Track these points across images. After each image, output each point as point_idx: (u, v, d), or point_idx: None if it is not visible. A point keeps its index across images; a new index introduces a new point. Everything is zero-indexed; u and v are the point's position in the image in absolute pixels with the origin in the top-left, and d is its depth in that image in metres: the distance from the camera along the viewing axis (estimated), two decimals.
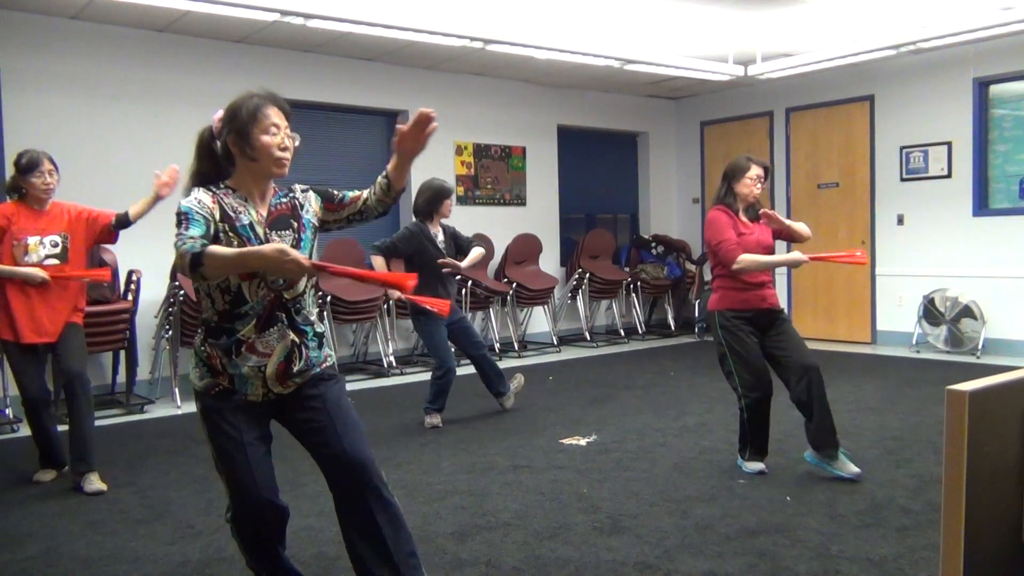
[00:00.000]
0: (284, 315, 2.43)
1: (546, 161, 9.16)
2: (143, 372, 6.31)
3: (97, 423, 5.50)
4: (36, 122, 6.01)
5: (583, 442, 4.71)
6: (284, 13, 5.63)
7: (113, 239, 4.29)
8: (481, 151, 8.60)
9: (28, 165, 3.97)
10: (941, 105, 7.85)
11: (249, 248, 2.23)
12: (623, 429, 5.00)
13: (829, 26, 6.94)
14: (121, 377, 6.12)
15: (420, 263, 5.11)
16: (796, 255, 3.97)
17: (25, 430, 5.34)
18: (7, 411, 5.57)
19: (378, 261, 5.13)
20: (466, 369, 7.48)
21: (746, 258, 3.89)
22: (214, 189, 2.35)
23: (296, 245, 2.40)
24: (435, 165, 8.25)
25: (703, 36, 7.20)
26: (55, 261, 4.06)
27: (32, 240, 4.00)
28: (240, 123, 2.29)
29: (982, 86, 7.62)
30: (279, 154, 2.34)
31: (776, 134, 9.25)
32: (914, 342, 7.86)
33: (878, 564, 2.90)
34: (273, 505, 2.43)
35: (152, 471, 4.32)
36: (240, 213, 2.34)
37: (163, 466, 4.42)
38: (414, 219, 5.39)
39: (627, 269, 9.52)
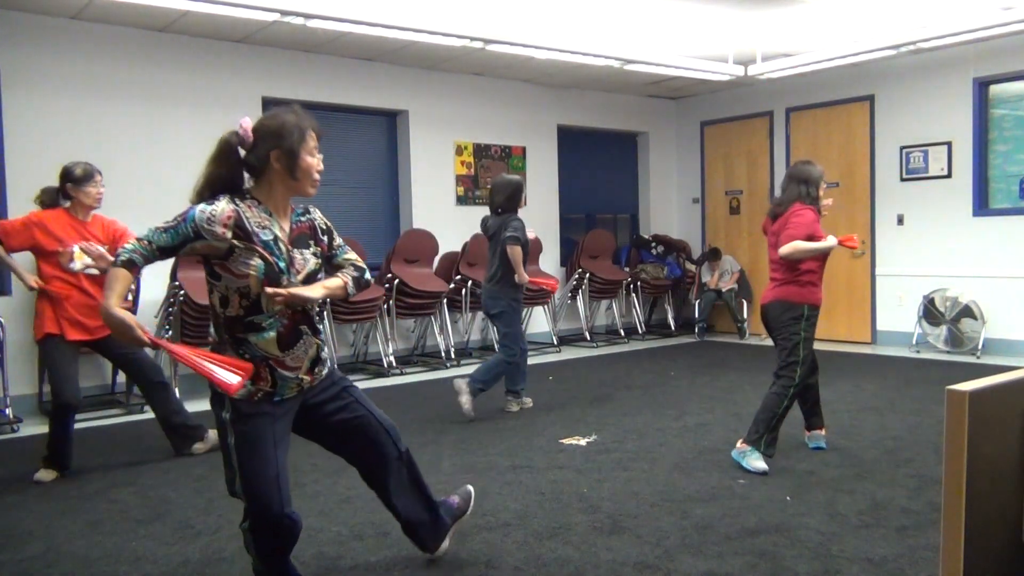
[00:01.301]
0: (307, 326, 2.55)
1: (546, 161, 9.16)
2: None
3: (97, 423, 5.53)
4: (36, 122, 6.01)
5: (583, 442, 4.71)
6: (284, 13, 5.63)
7: None
8: (481, 151, 8.60)
9: (85, 176, 4.24)
10: (941, 105, 7.85)
11: (116, 309, 2.26)
12: (623, 429, 5.00)
13: (829, 26, 6.94)
14: (121, 377, 6.12)
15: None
16: (832, 240, 4.17)
17: (25, 430, 5.36)
18: (7, 411, 5.57)
19: (518, 252, 5.35)
20: (466, 370, 7.48)
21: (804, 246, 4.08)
22: (238, 201, 2.39)
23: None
24: (435, 165, 8.27)
25: (703, 36, 7.20)
26: (95, 271, 4.24)
27: (77, 248, 4.20)
28: (291, 142, 2.39)
29: (982, 86, 7.62)
30: (316, 176, 2.48)
31: (776, 134, 9.25)
32: (914, 342, 7.86)
33: (878, 564, 2.90)
34: (291, 519, 2.48)
35: (152, 471, 4.32)
36: (264, 227, 2.40)
37: (163, 466, 4.42)
38: (496, 214, 5.55)
39: (627, 269, 9.52)
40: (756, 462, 4.03)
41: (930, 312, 7.65)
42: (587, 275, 8.81)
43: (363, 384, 6.80)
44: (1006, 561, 1.13)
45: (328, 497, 3.80)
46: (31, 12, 5.94)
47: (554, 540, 3.19)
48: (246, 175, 2.46)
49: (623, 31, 6.97)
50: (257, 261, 2.35)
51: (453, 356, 7.68)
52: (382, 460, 2.75)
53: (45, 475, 4.22)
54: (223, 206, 2.35)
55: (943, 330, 7.58)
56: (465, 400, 5.25)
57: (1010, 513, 1.13)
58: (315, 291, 2.51)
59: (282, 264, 2.42)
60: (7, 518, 3.63)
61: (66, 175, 4.25)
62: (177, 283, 6.09)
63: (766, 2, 6.28)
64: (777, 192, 5.00)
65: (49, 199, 4.33)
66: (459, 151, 8.46)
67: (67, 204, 4.32)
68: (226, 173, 2.40)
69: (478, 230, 8.11)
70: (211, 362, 2.32)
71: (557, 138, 9.26)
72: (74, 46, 6.17)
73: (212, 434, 4.70)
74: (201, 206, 2.35)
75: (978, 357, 7.32)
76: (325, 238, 2.63)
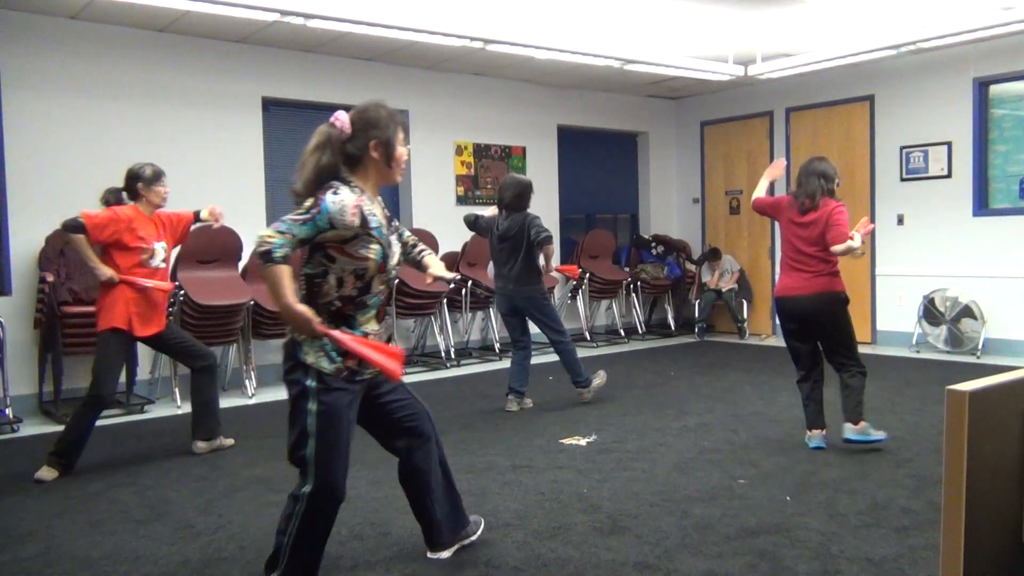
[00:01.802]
0: (387, 306, 2.74)
1: (546, 161, 9.16)
2: (143, 372, 6.31)
3: (97, 423, 5.52)
4: (36, 122, 6.01)
5: (583, 442, 4.71)
6: (284, 13, 5.63)
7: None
8: (481, 151, 8.60)
9: (154, 176, 4.47)
10: (941, 105, 7.85)
11: (298, 307, 2.43)
12: (623, 429, 5.00)
13: (829, 26, 6.94)
14: (121, 377, 6.11)
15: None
16: (859, 237, 4.29)
17: (25, 430, 5.35)
18: (7, 411, 5.57)
19: (551, 249, 5.54)
20: (465, 370, 7.48)
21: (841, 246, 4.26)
22: (354, 189, 2.54)
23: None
24: (436, 165, 8.27)
25: (703, 36, 7.20)
26: (163, 265, 4.54)
27: (157, 245, 4.47)
28: (388, 133, 2.57)
29: (982, 86, 7.62)
30: (403, 165, 2.67)
31: (776, 134, 9.25)
32: (914, 342, 7.86)
33: (878, 564, 2.90)
34: (344, 496, 2.63)
35: (152, 471, 4.32)
36: (373, 214, 2.55)
37: (163, 466, 4.42)
38: (504, 213, 5.63)
39: (627, 269, 9.52)
40: (876, 432, 4.34)
41: (930, 312, 7.65)
42: (587, 275, 8.81)
43: None
44: (1006, 561, 1.13)
45: None
46: (31, 12, 5.94)
47: (554, 540, 3.19)
48: None
49: (623, 31, 6.97)
50: (375, 245, 2.53)
51: (453, 356, 7.68)
52: (426, 447, 2.89)
53: (47, 473, 4.22)
54: (350, 196, 2.48)
55: (943, 330, 7.58)
56: (587, 395, 5.75)
57: (1010, 513, 1.13)
58: (449, 272, 2.90)
59: (387, 247, 2.59)
60: (7, 518, 3.63)
61: (136, 176, 4.44)
62: (177, 283, 6.09)
63: (766, 2, 6.28)
64: (777, 192, 5.04)
65: (115, 199, 4.47)
66: (459, 151, 8.46)
67: (131, 203, 4.48)
68: (332, 163, 2.54)
69: None
70: (372, 350, 2.52)
71: (557, 138, 9.26)
72: (74, 46, 6.17)
73: (228, 442, 4.74)
74: (331, 198, 2.45)
75: (978, 357, 7.32)
76: (395, 224, 2.78)
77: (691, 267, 9.79)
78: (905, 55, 7.63)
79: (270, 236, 2.39)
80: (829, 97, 8.71)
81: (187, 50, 6.69)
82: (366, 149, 2.56)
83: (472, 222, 5.81)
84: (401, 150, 2.63)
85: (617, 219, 10.30)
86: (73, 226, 4.27)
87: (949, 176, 7.82)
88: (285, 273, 2.40)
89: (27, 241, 5.90)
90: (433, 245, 7.74)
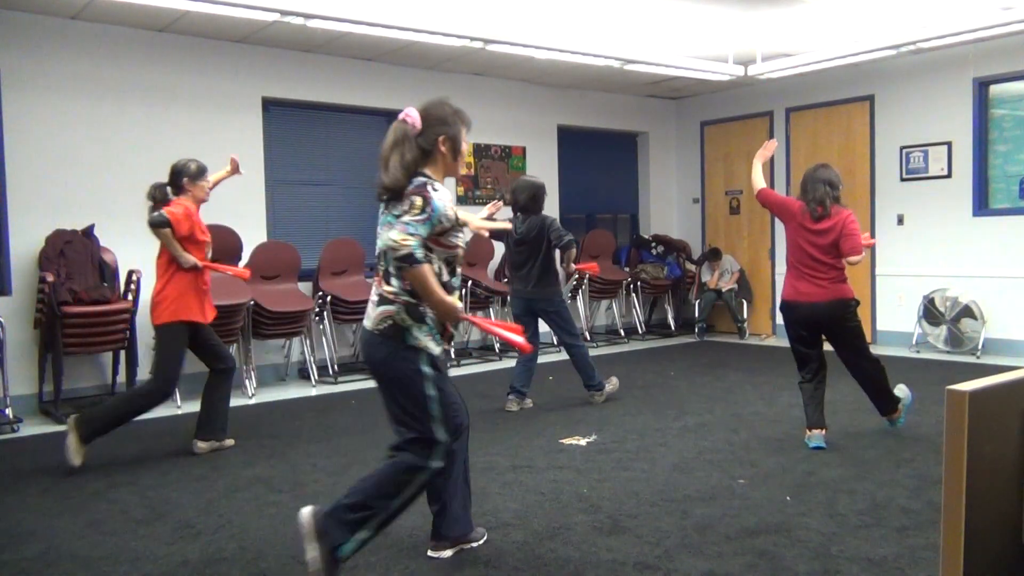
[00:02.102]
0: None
1: (546, 161, 9.15)
2: (143, 372, 6.29)
3: None
4: (36, 122, 6.01)
5: (583, 442, 4.71)
6: (284, 13, 5.63)
7: None
8: (481, 151, 8.60)
9: (200, 171, 4.58)
10: (941, 105, 7.85)
11: (447, 297, 2.70)
12: (623, 429, 5.00)
13: (829, 26, 6.94)
14: (121, 377, 6.13)
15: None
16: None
17: (25, 430, 5.35)
18: (7, 411, 5.57)
19: (574, 251, 5.65)
20: (465, 370, 7.48)
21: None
22: (439, 184, 2.74)
23: None
24: None
25: (703, 36, 7.20)
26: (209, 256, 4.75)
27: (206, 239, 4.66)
28: (456, 129, 2.78)
29: (982, 86, 7.62)
30: (464, 160, 2.89)
31: (776, 134, 9.24)
32: (914, 342, 7.86)
33: (878, 564, 2.90)
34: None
35: (152, 471, 4.32)
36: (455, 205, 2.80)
37: (163, 466, 4.41)
38: (520, 216, 5.62)
39: (627, 269, 9.52)
40: (905, 398, 4.70)
41: (930, 312, 7.65)
42: (587, 275, 8.81)
43: (363, 384, 6.80)
44: (1006, 561, 1.13)
45: (328, 497, 3.78)
46: (31, 12, 5.94)
47: (554, 540, 3.19)
48: None
49: (623, 31, 6.97)
50: (462, 234, 2.79)
51: (453, 356, 7.68)
52: (460, 438, 2.99)
53: (80, 457, 4.29)
54: (445, 191, 2.72)
55: (943, 330, 7.58)
56: (598, 398, 5.76)
57: (1010, 513, 1.13)
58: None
59: (465, 235, 2.85)
60: (7, 518, 3.63)
61: (182, 171, 4.54)
62: None
63: (766, 2, 6.28)
64: (781, 193, 5.06)
65: (161, 195, 4.56)
66: None
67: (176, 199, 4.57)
68: (415, 157, 2.72)
69: None
70: (502, 328, 2.88)
71: (557, 138, 9.26)
72: (74, 46, 6.17)
73: (229, 442, 4.75)
74: (436, 195, 2.65)
75: (978, 357, 7.32)
76: None
77: (691, 267, 9.79)
78: (905, 55, 7.63)
79: (404, 240, 2.57)
80: (829, 97, 8.71)
81: (187, 50, 6.69)
82: (435, 144, 2.75)
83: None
84: (465, 146, 2.84)
85: (617, 219, 10.29)
86: (160, 222, 4.40)
87: (949, 176, 7.82)
88: (429, 271, 2.64)
89: (27, 241, 5.90)
90: None
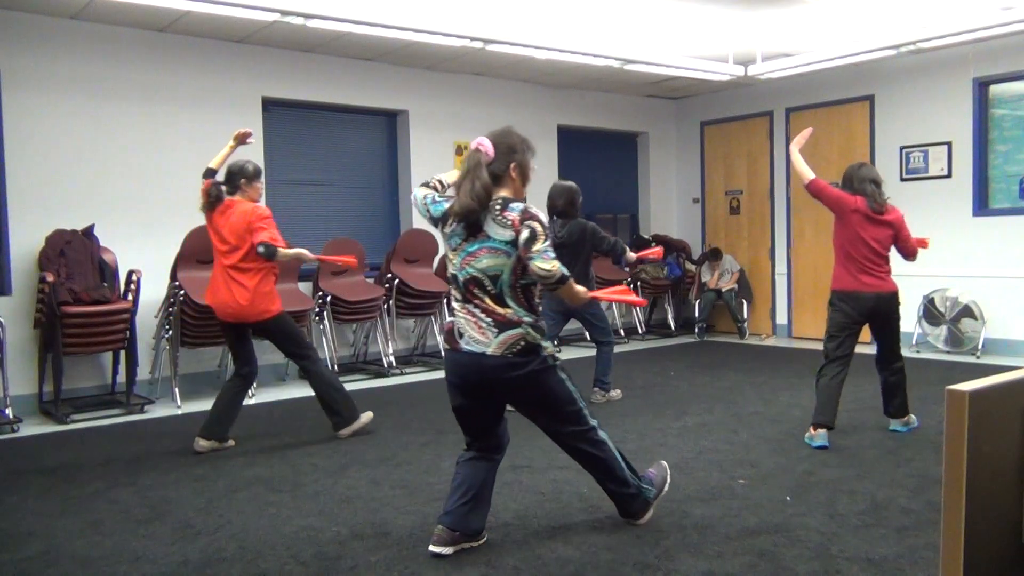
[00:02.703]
0: None
1: (546, 161, 9.14)
2: (143, 372, 6.31)
3: (97, 423, 5.53)
4: (36, 122, 6.01)
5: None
6: (284, 13, 5.63)
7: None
8: None
9: (257, 172, 4.72)
10: (941, 105, 7.85)
11: (581, 289, 3.07)
12: (623, 429, 5.00)
13: (829, 26, 6.94)
14: (121, 377, 6.13)
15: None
16: None
17: (25, 430, 5.36)
18: (7, 411, 5.57)
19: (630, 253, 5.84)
20: None
21: None
22: None
23: None
24: (435, 165, 8.26)
25: (703, 36, 7.20)
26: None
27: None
28: (525, 157, 3.08)
29: (982, 86, 7.62)
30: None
31: (776, 134, 9.24)
32: (914, 342, 7.85)
33: (878, 564, 2.90)
34: None
35: (152, 471, 4.32)
36: None
37: (163, 466, 4.41)
38: (559, 221, 5.70)
39: (627, 269, 9.51)
40: (914, 419, 4.81)
41: (930, 312, 7.64)
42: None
43: (363, 384, 6.81)
44: (1006, 561, 1.13)
45: (328, 497, 3.80)
46: (31, 12, 5.94)
47: (554, 540, 3.19)
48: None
49: (623, 31, 6.97)
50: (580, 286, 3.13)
51: None
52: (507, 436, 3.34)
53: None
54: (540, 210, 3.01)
55: (943, 330, 7.58)
56: (600, 397, 5.84)
57: (1010, 513, 1.13)
58: None
59: None
60: (7, 518, 3.63)
61: (240, 171, 4.65)
62: (177, 283, 6.09)
63: (766, 2, 6.28)
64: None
65: (217, 193, 4.64)
66: (459, 151, 8.46)
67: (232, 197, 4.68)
68: (484, 184, 2.95)
69: None
70: (620, 295, 3.45)
71: (557, 138, 9.25)
72: (74, 46, 6.17)
73: (229, 443, 4.76)
74: (542, 215, 2.95)
75: (978, 357, 7.32)
76: None
77: (691, 267, 9.79)
78: (905, 55, 7.63)
79: (554, 266, 2.86)
80: (829, 97, 8.71)
81: (187, 50, 6.69)
82: (506, 170, 3.02)
83: None
84: (531, 172, 3.13)
85: (617, 219, 10.29)
86: (271, 253, 4.52)
87: (949, 176, 7.81)
88: (573, 282, 2.98)
89: (27, 241, 5.90)
90: (432, 245, 7.74)
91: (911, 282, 8.03)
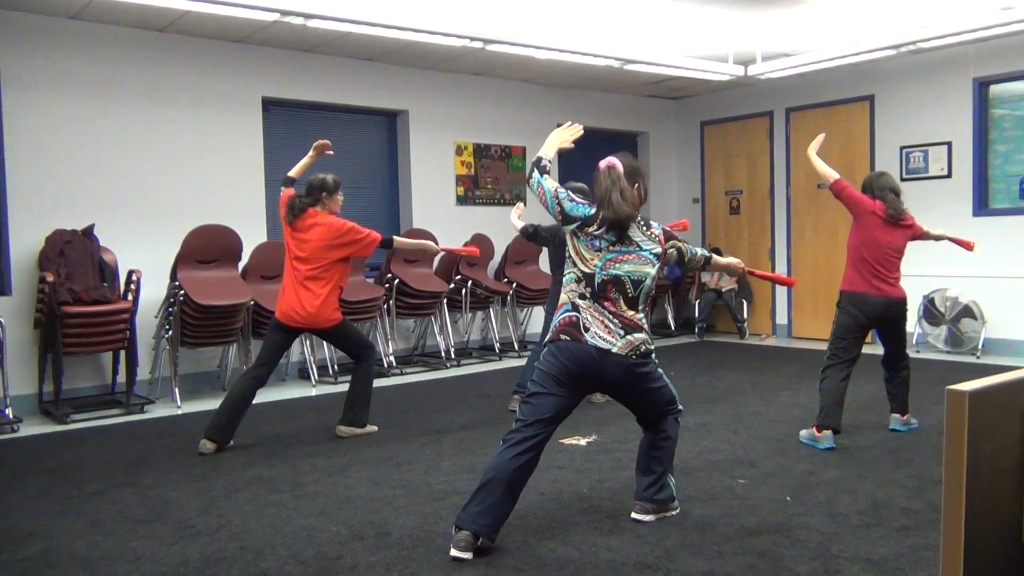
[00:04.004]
0: None
1: None
2: (143, 372, 6.31)
3: (97, 423, 5.53)
4: (36, 122, 6.01)
5: (583, 442, 4.70)
6: (284, 13, 5.63)
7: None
8: (481, 151, 8.60)
9: (338, 185, 4.90)
10: (941, 105, 7.85)
11: (729, 259, 3.76)
12: (623, 429, 5.00)
13: (829, 26, 6.94)
14: (121, 377, 6.12)
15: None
16: None
17: (25, 430, 5.36)
18: (7, 411, 5.57)
19: None
20: (465, 370, 7.48)
21: None
22: None
23: None
24: (435, 165, 8.27)
25: (703, 36, 7.20)
26: None
27: None
28: (647, 181, 3.43)
29: (982, 86, 7.62)
30: None
31: (776, 134, 9.25)
32: (914, 342, 7.85)
33: (878, 564, 2.90)
34: None
35: (152, 471, 4.32)
36: None
37: (163, 466, 4.41)
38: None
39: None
40: (914, 421, 4.84)
41: (930, 312, 7.65)
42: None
43: None
44: (1006, 561, 1.13)
45: (328, 497, 3.79)
46: (31, 12, 5.94)
47: (554, 540, 3.19)
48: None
49: (623, 31, 6.97)
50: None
51: (453, 356, 7.68)
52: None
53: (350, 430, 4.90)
54: None
55: (943, 330, 7.58)
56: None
57: (1010, 513, 1.13)
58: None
59: None
60: (7, 518, 3.63)
61: (322, 185, 4.82)
62: (177, 283, 6.09)
63: (766, 2, 6.28)
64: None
65: (300, 205, 4.81)
66: (459, 151, 8.46)
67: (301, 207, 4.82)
68: (630, 196, 3.28)
69: (478, 230, 8.15)
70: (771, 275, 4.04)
71: None
72: (74, 46, 6.17)
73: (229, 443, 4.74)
74: (667, 230, 3.41)
75: (978, 357, 7.32)
76: None
77: None
78: (905, 55, 7.63)
79: (696, 249, 3.54)
80: (829, 97, 8.71)
81: (187, 50, 6.69)
82: (632, 189, 3.30)
83: (531, 234, 5.53)
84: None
85: None
86: (389, 241, 5.00)
87: (949, 176, 7.81)
88: (716, 256, 3.66)
89: (27, 241, 5.90)
90: None
91: (911, 282, 8.00)
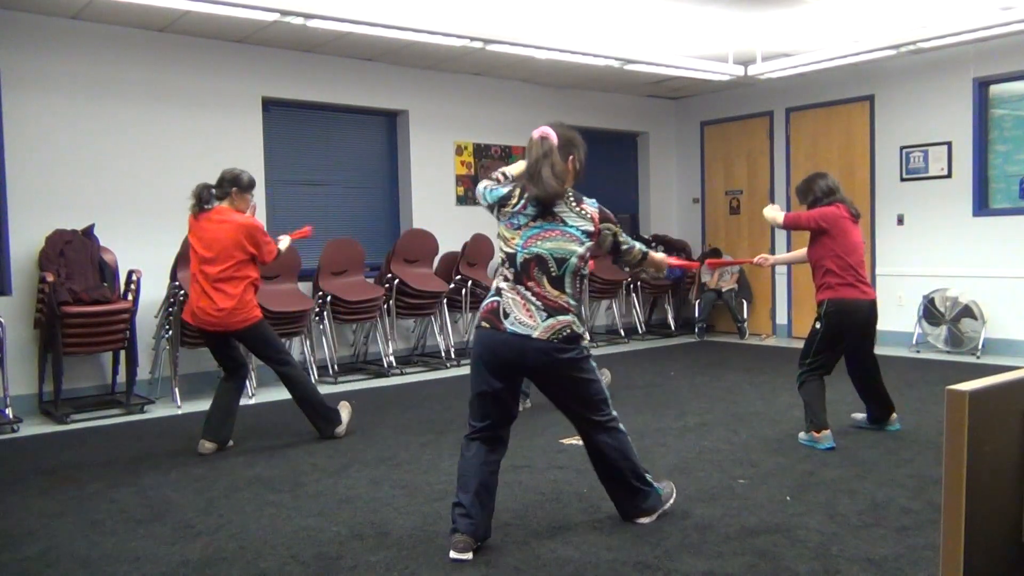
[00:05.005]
0: None
1: None
2: (143, 372, 6.31)
3: (97, 423, 5.53)
4: (36, 122, 6.01)
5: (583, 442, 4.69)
6: (284, 13, 5.63)
7: None
8: (481, 151, 8.60)
9: (252, 183, 4.69)
10: (941, 105, 7.85)
11: (658, 256, 3.59)
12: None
13: (829, 26, 6.94)
14: (121, 377, 6.12)
15: None
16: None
17: (25, 430, 5.36)
18: (7, 411, 5.57)
19: None
20: (465, 370, 7.48)
21: None
22: None
23: None
24: (435, 165, 8.27)
25: (703, 36, 7.19)
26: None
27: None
28: (583, 152, 3.23)
29: (982, 86, 7.62)
30: None
31: (776, 134, 9.25)
32: (914, 342, 7.85)
33: (878, 564, 2.90)
34: None
35: (152, 471, 4.32)
36: None
37: (163, 466, 4.41)
38: None
39: (627, 269, 9.50)
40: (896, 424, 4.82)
41: (930, 312, 7.65)
42: (587, 275, 8.79)
43: (363, 384, 6.81)
44: (1006, 561, 1.13)
45: (328, 497, 3.80)
46: (31, 12, 5.94)
47: (554, 540, 3.19)
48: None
49: (623, 31, 6.97)
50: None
51: (453, 356, 7.68)
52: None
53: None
54: None
55: (943, 330, 7.58)
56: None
57: (1010, 513, 1.13)
58: None
59: None
60: (7, 518, 3.63)
61: (234, 180, 4.61)
62: (177, 283, 6.09)
63: (766, 2, 6.28)
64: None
65: (207, 196, 4.61)
66: (459, 151, 8.46)
67: (211, 206, 4.60)
68: (561, 170, 3.11)
69: (478, 230, 8.14)
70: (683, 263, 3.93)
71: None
72: (74, 46, 6.17)
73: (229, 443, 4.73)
74: (604, 210, 3.22)
75: (978, 357, 7.32)
76: None
77: None
78: (905, 55, 7.63)
79: (634, 243, 3.38)
80: (829, 97, 8.71)
81: (187, 50, 6.69)
82: (566, 162, 3.14)
83: None
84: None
85: (617, 219, 10.27)
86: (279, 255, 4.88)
87: (949, 176, 7.81)
88: (652, 253, 3.51)
89: (27, 241, 5.90)
90: (432, 245, 7.74)
91: (911, 282, 8.05)
